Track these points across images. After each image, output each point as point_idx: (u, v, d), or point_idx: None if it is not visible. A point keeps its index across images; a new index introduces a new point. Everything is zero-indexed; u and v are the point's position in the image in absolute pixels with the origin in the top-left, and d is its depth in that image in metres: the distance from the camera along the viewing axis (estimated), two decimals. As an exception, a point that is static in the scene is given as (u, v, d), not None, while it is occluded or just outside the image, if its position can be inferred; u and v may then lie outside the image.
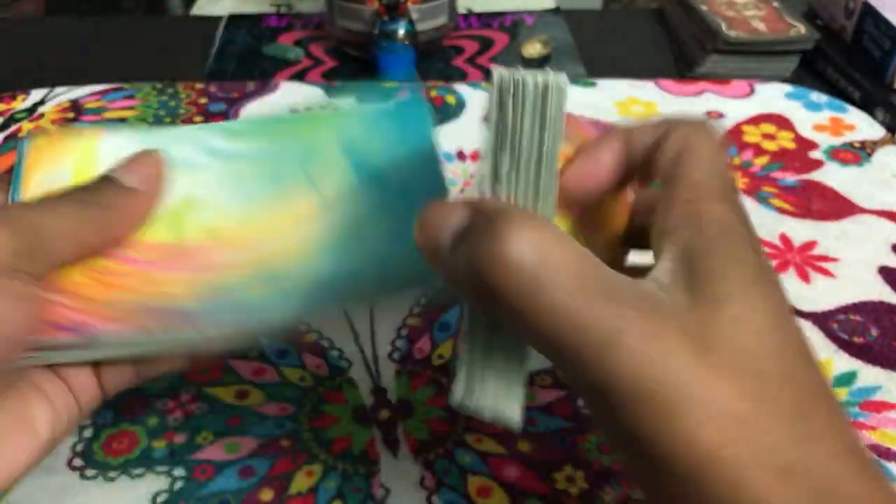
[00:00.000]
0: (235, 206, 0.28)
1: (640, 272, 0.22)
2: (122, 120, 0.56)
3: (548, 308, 0.19)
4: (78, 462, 0.33)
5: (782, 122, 0.57)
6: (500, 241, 0.19)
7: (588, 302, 0.19)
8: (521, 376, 0.23)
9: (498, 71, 0.23)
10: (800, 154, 0.54)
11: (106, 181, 0.26)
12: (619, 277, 0.20)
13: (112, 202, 0.26)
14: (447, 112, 0.57)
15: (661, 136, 0.24)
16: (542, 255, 0.19)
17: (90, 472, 0.32)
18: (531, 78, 0.23)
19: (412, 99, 0.31)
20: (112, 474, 0.32)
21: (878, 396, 0.37)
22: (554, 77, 0.23)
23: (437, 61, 0.69)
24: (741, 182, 0.51)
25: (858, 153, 0.54)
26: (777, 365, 0.20)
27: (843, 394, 0.37)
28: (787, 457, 0.18)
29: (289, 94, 0.59)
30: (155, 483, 0.32)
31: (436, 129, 0.31)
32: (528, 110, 0.22)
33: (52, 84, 0.60)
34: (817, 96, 0.60)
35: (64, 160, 0.29)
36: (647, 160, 0.25)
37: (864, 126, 0.57)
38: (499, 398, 0.23)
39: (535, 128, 0.23)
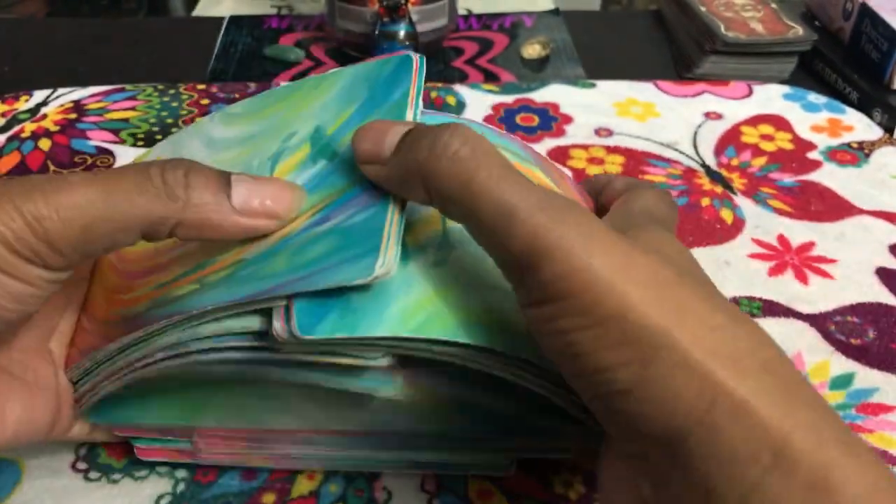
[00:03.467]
0: None
1: None
2: (125, 121, 0.56)
3: (478, 188, 0.23)
4: (82, 465, 0.33)
5: (780, 123, 0.57)
6: (442, 140, 0.24)
7: (505, 184, 0.23)
8: None
9: None
10: (798, 155, 0.54)
11: (199, 177, 0.25)
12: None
13: (193, 204, 0.25)
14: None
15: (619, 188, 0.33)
16: (474, 148, 0.23)
17: (94, 475, 0.33)
18: None
19: (401, 57, 0.32)
20: (115, 476, 0.33)
21: (875, 398, 0.37)
22: None
23: (438, 62, 0.69)
24: (740, 183, 0.51)
25: (856, 154, 0.54)
26: (682, 260, 0.25)
27: (840, 396, 0.37)
28: (713, 323, 0.21)
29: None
30: (158, 485, 0.32)
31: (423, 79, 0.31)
32: None
33: (55, 85, 0.61)
34: (815, 97, 0.60)
35: None
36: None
37: (861, 127, 0.57)
38: None
39: None
